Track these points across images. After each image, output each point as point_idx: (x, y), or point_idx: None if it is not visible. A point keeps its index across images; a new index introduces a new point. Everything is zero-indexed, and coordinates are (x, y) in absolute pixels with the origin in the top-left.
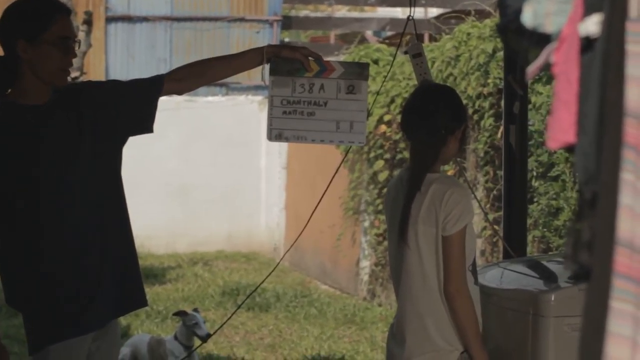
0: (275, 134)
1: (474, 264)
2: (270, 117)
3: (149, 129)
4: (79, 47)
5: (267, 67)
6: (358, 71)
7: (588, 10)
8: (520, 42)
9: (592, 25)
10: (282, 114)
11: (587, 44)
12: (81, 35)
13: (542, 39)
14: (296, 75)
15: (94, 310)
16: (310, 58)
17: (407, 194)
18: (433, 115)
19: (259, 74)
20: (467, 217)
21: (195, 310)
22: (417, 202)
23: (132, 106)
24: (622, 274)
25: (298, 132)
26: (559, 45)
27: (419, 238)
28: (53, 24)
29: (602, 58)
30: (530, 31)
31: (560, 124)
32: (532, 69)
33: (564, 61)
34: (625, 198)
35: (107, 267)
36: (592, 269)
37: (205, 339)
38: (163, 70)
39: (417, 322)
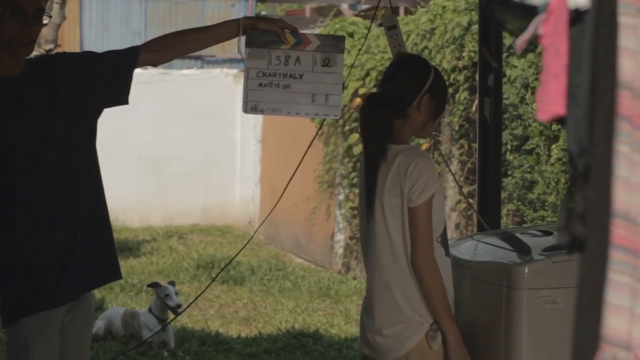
0: (250, 106)
1: (443, 235)
2: (246, 89)
3: (124, 101)
4: (49, 20)
5: (243, 39)
6: (334, 44)
7: None
8: (506, 14)
9: None
10: (257, 86)
11: (577, 15)
12: (55, 7)
13: (527, 10)
14: (272, 48)
15: (67, 282)
16: (286, 30)
17: (366, 166)
18: (387, 86)
19: (235, 46)
20: (432, 188)
21: (171, 283)
22: (383, 173)
23: (107, 77)
24: (619, 246)
25: (273, 105)
26: (547, 16)
27: (385, 210)
28: None
29: (593, 30)
30: (516, 3)
31: (549, 96)
32: (520, 41)
33: (553, 33)
34: (621, 170)
35: (81, 239)
36: (587, 240)
37: (175, 310)
38: (138, 43)
39: (386, 294)
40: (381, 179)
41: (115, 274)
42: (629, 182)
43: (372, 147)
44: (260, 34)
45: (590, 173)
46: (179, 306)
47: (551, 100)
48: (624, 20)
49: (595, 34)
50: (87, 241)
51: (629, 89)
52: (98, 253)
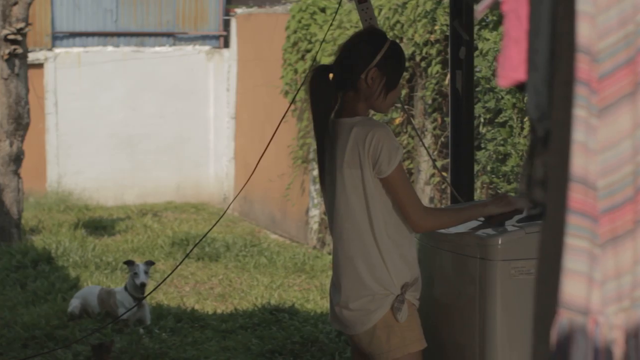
0: None
1: None
2: None
3: None
4: None
5: None
6: None
7: None
8: None
9: None
10: None
11: None
12: None
13: None
14: None
15: None
16: None
17: (316, 139)
18: (338, 58)
19: (206, 23)
20: (398, 153)
21: (149, 262)
22: (341, 147)
23: None
24: (577, 211)
25: None
26: None
27: (345, 182)
28: None
29: None
30: None
31: (510, 62)
32: (481, 7)
33: None
34: (578, 134)
35: None
36: (547, 206)
37: (140, 288)
38: (109, 21)
39: (350, 267)
40: (340, 152)
41: None
42: (586, 146)
43: (317, 119)
44: None
45: (549, 138)
46: (143, 284)
47: (512, 65)
48: None
49: None
50: None
51: (586, 53)
52: None
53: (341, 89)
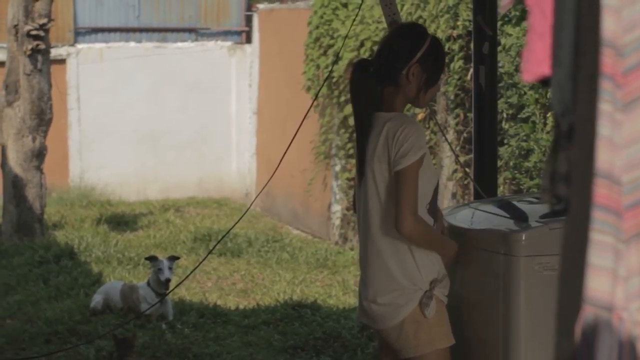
0: None
1: (431, 204)
2: None
3: None
4: None
5: None
6: None
7: None
8: None
9: None
10: None
11: None
12: None
13: None
14: None
15: None
16: None
17: (356, 134)
18: (379, 53)
19: (228, 18)
20: (418, 152)
21: (172, 257)
22: (373, 141)
23: None
24: (602, 206)
25: None
26: None
27: (376, 177)
28: None
29: None
30: None
31: (535, 56)
32: (505, 1)
33: None
34: (603, 129)
35: None
36: (571, 201)
37: (164, 284)
38: (132, 17)
39: (379, 262)
40: (371, 146)
41: None
42: (611, 141)
43: (359, 114)
44: None
45: (573, 133)
46: (168, 280)
47: (536, 60)
48: None
49: None
50: None
51: (611, 47)
52: None
53: (381, 84)
